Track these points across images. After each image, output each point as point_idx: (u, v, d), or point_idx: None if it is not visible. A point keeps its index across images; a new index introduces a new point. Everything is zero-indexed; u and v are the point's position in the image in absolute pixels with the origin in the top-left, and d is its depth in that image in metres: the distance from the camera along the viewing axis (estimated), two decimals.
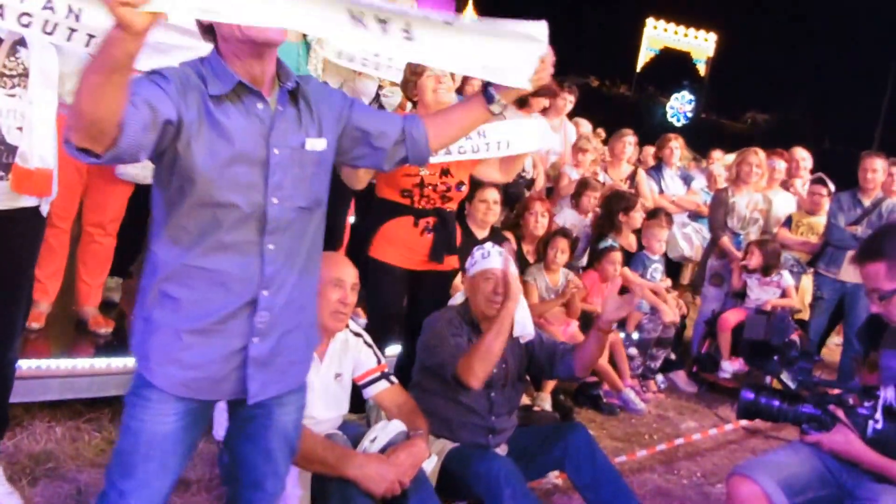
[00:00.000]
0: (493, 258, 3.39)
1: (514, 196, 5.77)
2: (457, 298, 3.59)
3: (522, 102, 5.76)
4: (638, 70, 39.45)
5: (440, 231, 3.67)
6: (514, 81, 1.98)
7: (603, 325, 3.15)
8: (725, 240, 6.03)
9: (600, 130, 9.33)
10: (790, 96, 36.83)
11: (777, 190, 6.59)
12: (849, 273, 5.66)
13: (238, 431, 2.09)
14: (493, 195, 4.70)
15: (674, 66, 38.55)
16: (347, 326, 3.12)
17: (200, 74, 1.80)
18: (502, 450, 3.29)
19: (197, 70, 1.81)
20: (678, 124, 34.58)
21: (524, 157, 3.86)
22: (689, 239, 6.52)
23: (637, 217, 5.72)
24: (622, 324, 5.53)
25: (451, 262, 3.80)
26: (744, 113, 39.40)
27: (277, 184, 1.86)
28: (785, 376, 2.60)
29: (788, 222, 6.34)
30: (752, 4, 42.20)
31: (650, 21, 40.10)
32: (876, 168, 5.77)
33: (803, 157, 7.07)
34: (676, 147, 7.14)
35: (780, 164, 6.60)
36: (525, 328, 3.35)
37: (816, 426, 2.53)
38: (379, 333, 3.69)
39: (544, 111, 6.42)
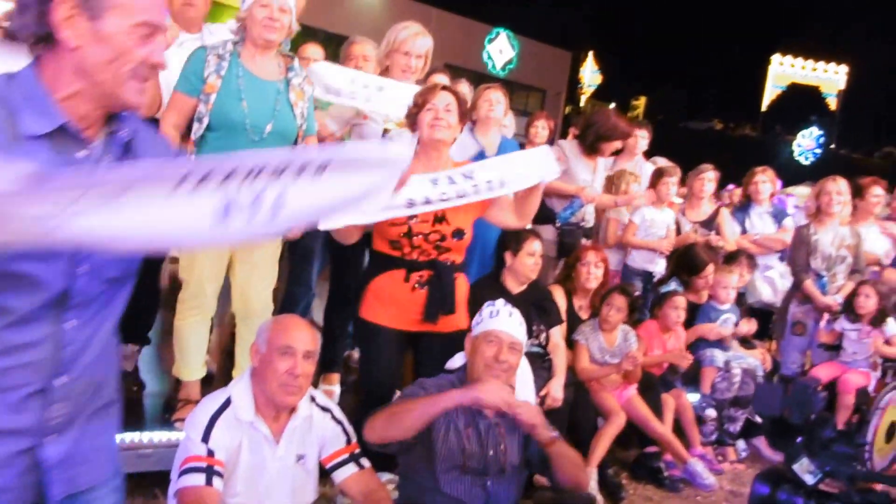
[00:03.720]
0: (501, 319, 3.00)
1: (570, 246, 5.34)
2: (455, 361, 3.21)
3: (593, 148, 5.37)
4: (763, 109, 38.06)
5: (434, 286, 3.28)
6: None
7: (539, 438, 2.75)
8: (809, 283, 5.32)
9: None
10: None
11: (871, 223, 5.81)
12: None
13: None
14: (539, 246, 4.30)
15: (802, 102, 36.85)
16: (314, 400, 2.82)
17: (6, 101, 1.44)
18: None
19: (2, 94, 1.45)
20: (806, 162, 32.82)
21: (537, 195, 3.43)
22: (772, 283, 5.80)
23: (710, 276, 5.16)
24: (694, 382, 4.95)
25: (455, 321, 3.38)
26: (878, 147, 36.80)
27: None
28: (802, 465, 2.04)
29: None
30: (884, 32, 39.74)
31: (776, 58, 38.75)
32: None
33: None
34: (764, 181, 6.37)
35: (877, 191, 5.83)
36: None
37: None
38: (369, 404, 3.38)
39: (618, 153, 5.99)
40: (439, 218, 3.27)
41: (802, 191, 24.22)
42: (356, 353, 4.52)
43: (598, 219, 5.67)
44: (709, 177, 6.07)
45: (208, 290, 3.47)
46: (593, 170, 5.38)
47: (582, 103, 47.26)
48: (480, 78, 29.46)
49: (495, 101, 4.71)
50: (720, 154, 32.92)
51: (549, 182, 5.32)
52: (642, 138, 6.24)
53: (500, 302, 3.08)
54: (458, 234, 3.32)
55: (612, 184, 5.64)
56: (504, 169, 3.30)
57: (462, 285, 3.47)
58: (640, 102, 54.88)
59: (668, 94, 51.19)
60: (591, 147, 5.35)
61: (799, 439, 2.11)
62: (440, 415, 2.71)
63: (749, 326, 5.14)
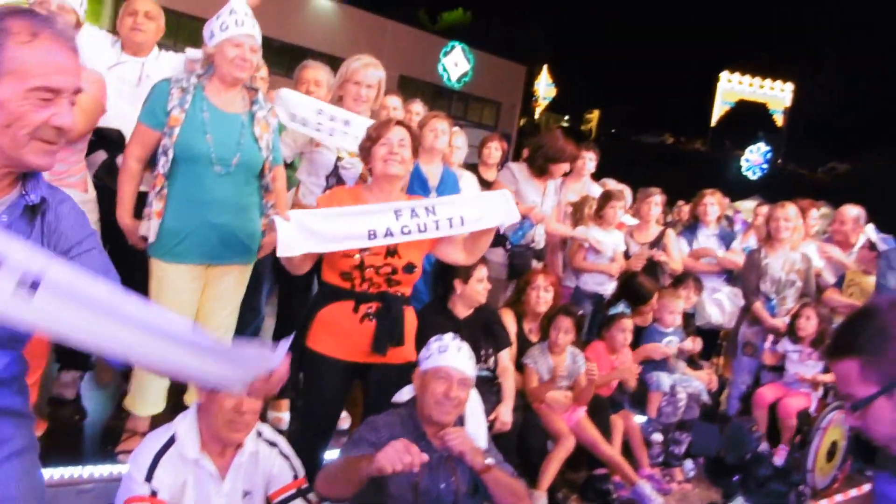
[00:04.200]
0: (450, 354, 3.01)
1: (521, 268, 5.38)
2: (403, 394, 3.20)
3: (542, 170, 5.43)
4: (713, 124, 38.88)
5: (384, 318, 3.27)
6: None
7: (472, 465, 2.80)
8: (758, 305, 5.45)
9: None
10: (873, 144, 35.18)
11: (808, 243, 6.00)
12: None
13: None
14: (486, 272, 4.32)
15: (749, 119, 37.75)
16: (261, 435, 2.80)
17: None
18: None
19: None
20: (754, 177, 33.56)
21: (490, 234, 3.46)
22: (721, 304, 5.92)
23: (655, 301, 5.26)
24: (641, 405, 5.03)
25: (403, 353, 3.37)
26: (824, 163, 37.86)
27: None
28: None
29: (840, 282, 5.71)
30: (828, 52, 40.94)
31: (724, 75, 39.64)
32: None
33: (854, 215, 6.38)
34: (712, 203, 6.51)
35: (814, 213, 6.03)
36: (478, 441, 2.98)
37: None
38: (312, 436, 3.36)
39: (566, 175, 6.06)
40: (391, 251, 3.27)
41: (749, 205, 24.82)
42: None
43: (548, 240, 5.72)
44: (655, 200, 6.19)
45: None
46: (542, 192, 5.45)
47: (536, 116, 47.76)
48: (436, 90, 29.65)
49: (440, 132, 4.73)
50: (672, 168, 33.74)
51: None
52: (590, 160, 6.35)
53: (449, 336, 3.09)
54: (409, 268, 3.32)
55: (576, 210, 5.73)
56: (465, 208, 3.30)
57: (410, 318, 3.46)
58: (594, 116, 55.64)
59: (620, 108, 52.01)
60: (539, 169, 5.42)
61: (735, 477, 2.16)
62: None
63: (694, 345, 5.23)
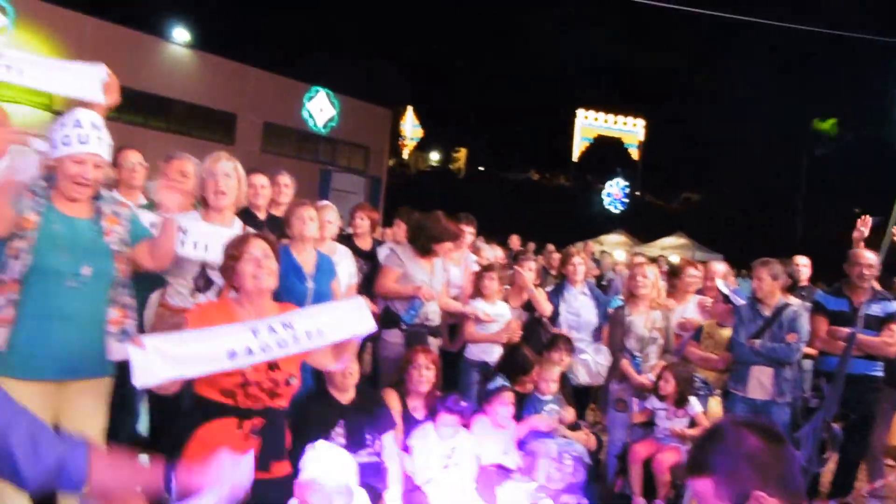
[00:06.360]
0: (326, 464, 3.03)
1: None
2: None
3: (426, 250, 5.53)
4: (575, 160, 40.57)
5: (268, 433, 3.26)
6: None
7: None
8: (625, 363, 5.74)
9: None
10: (721, 173, 37.80)
11: (688, 301, 6.37)
12: (757, 389, 5.41)
13: None
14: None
15: (607, 153, 39.66)
16: None
17: None
18: None
19: None
20: (616, 211, 35.21)
21: (353, 345, 3.54)
22: (587, 364, 6.09)
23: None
24: (528, 472, 5.16)
25: (285, 466, 3.36)
26: (678, 194, 40.28)
27: None
28: None
29: (698, 335, 6.09)
30: (676, 87, 43.73)
31: (580, 112, 41.51)
32: (762, 277, 5.55)
33: (719, 270, 6.82)
34: (580, 263, 6.75)
35: (692, 271, 6.44)
36: None
37: None
38: None
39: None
40: (272, 366, 3.25)
41: (615, 239, 25.94)
42: None
43: (442, 317, 5.82)
44: (530, 266, 6.47)
45: None
46: (430, 270, 5.58)
47: (406, 156, 48.33)
48: (302, 136, 29.48)
49: (308, 219, 4.77)
50: (539, 204, 34.94)
51: (386, 289, 5.48)
52: (469, 233, 6.53)
53: (323, 445, 3.10)
54: (290, 380, 3.32)
55: (479, 281, 5.86)
56: (322, 319, 3.29)
57: (286, 432, 3.46)
58: (461, 154, 56.87)
59: (486, 146, 53.48)
60: (424, 249, 5.55)
61: None
62: None
63: (570, 415, 5.42)
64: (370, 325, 3.41)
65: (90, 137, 3.28)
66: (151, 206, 4.46)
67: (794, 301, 5.67)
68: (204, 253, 3.95)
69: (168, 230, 3.46)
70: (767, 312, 5.55)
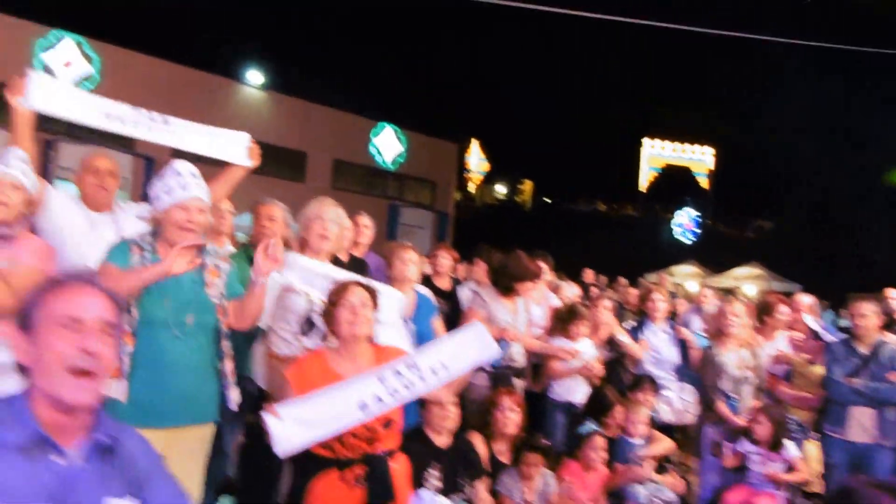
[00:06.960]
0: None
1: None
2: None
3: (508, 290, 5.51)
4: (642, 189, 40.08)
5: (371, 480, 3.25)
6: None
7: None
8: (721, 405, 5.54)
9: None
10: (792, 199, 36.75)
11: (778, 337, 6.17)
12: (858, 432, 5.17)
13: None
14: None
15: (676, 183, 39.11)
16: None
17: None
18: None
19: None
20: (688, 241, 34.52)
21: (468, 375, 3.53)
22: (669, 402, 5.92)
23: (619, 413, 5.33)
24: None
25: None
26: (750, 222, 39.32)
27: None
28: None
29: (788, 375, 5.88)
30: (746, 112, 42.92)
31: (646, 141, 41.09)
32: (864, 313, 5.34)
33: (805, 303, 6.61)
34: (661, 299, 6.64)
35: (782, 308, 6.23)
36: None
37: None
38: None
39: None
40: None
41: (686, 269, 25.32)
42: None
43: (528, 357, 5.77)
44: (605, 304, 6.36)
45: None
46: (513, 310, 5.54)
47: (473, 189, 48.51)
48: (370, 172, 29.82)
49: (409, 261, 4.80)
50: (608, 235, 34.52)
51: None
52: (546, 272, 6.48)
53: (428, 496, 3.08)
54: (388, 424, 3.32)
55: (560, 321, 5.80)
56: (443, 353, 3.32)
57: (400, 467, 3.45)
58: (527, 186, 56.79)
59: (552, 178, 53.32)
60: (506, 289, 5.52)
61: None
62: None
63: (669, 445, 5.27)
64: (494, 350, 3.42)
65: (190, 185, 3.37)
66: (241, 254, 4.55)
67: (891, 338, 5.44)
68: (310, 289, 3.99)
69: (258, 294, 3.44)
70: (864, 350, 5.33)
